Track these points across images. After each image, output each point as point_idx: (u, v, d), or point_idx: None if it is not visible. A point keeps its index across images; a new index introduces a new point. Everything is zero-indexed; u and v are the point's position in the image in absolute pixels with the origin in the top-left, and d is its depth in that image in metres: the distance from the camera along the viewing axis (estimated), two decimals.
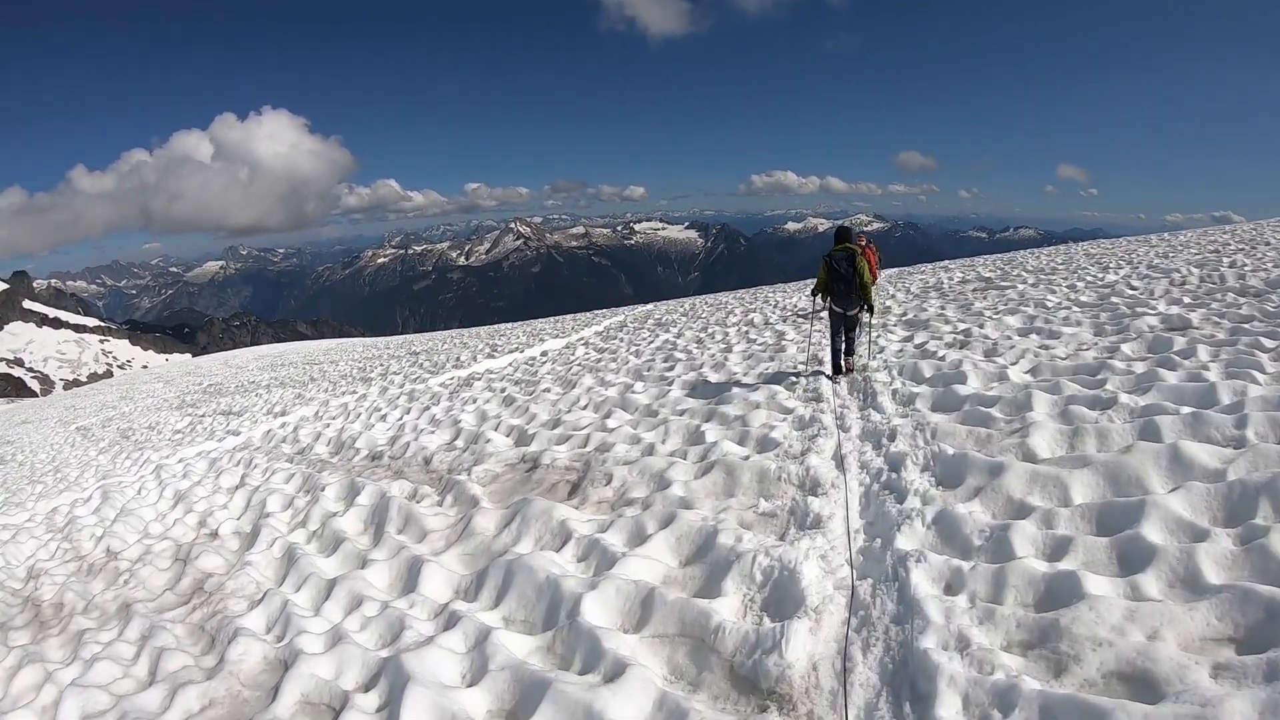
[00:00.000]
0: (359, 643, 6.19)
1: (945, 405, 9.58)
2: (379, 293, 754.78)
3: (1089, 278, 20.34)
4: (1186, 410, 7.44)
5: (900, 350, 13.49)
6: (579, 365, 19.70)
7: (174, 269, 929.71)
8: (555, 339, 29.77)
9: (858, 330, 12.38)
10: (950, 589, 5.25)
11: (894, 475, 7.37)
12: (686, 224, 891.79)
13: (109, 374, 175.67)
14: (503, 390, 17.51)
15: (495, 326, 59.19)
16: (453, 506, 9.47)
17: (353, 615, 6.82)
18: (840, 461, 8.08)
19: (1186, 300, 14.38)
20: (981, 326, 14.49)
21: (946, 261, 41.77)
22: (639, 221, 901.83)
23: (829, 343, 12.33)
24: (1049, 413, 8.31)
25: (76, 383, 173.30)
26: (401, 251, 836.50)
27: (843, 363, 12.05)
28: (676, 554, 6.67)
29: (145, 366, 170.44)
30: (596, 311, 50.01)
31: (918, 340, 14.11)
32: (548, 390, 16.17)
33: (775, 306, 26.53)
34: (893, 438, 8.43)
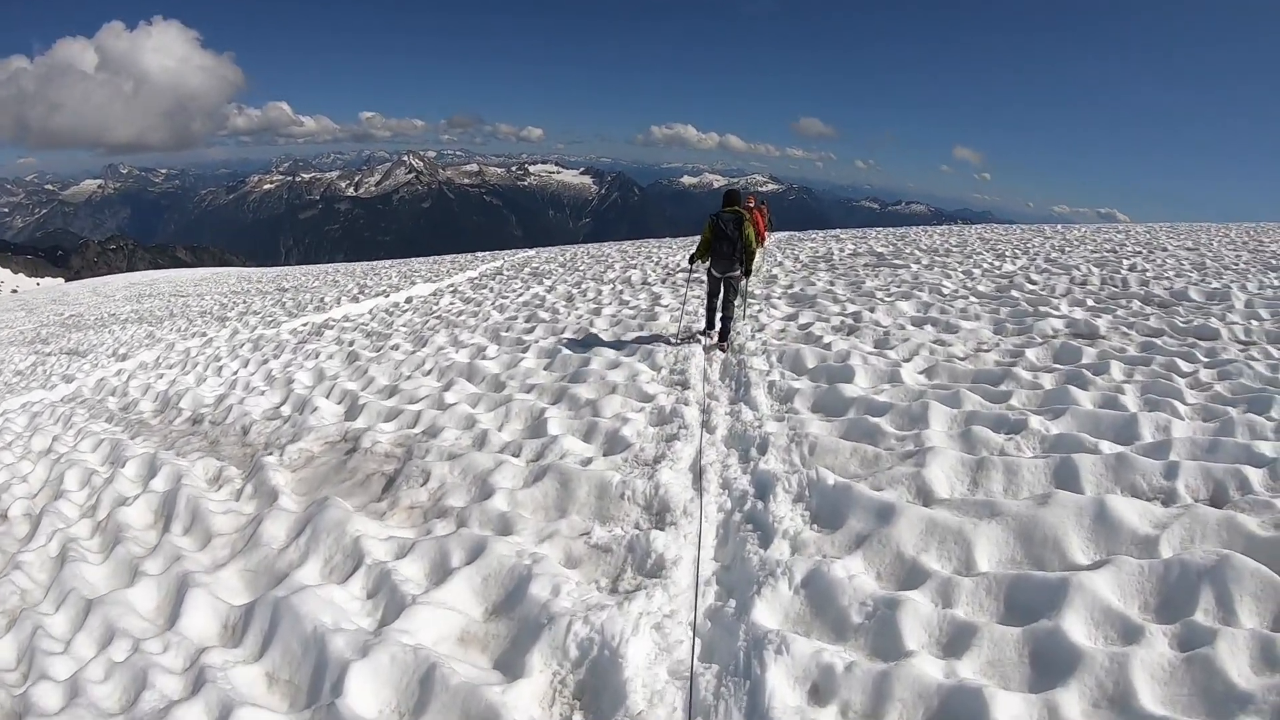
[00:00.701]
0: (94, 702, 4.77)
1: (828, 407, 8.40)
2: (263, 220, 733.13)
3: (985, 264, 19.71)
4: (1107, 447, 6.40)
5: (782, 330, 12.35)
6: (438, 318, 18.30)
7: (49, 186, 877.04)
8: (425, 284, 28.43)
9: (734, 295, 11.65)
10: (817, 697, 4.01)
11: (760, 504, 6.05)
12: (582, 169, 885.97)
13: None
14: (350, 344, 16.00)
15: (373, 264, 57.22)
16: (250, 500, 7.89)
17: (100, 658, 5.19)
18: (698, 477, 6.77)
19: (1090, 303, 13.58)
20: (873, 310, 13.40)
21: (838, 230, 41.48)
22: (534, 163, 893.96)
23: (706, 303, 12.08)
24: (948, 431, 7.19)
25: None
26: (289, 179, 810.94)
27: (716, 324, 11.78)
28: (481, 600, 5.31)
29: (14, 290, 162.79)
30: (477, 254, 48.72)
31: (802, 320, 13.00)
32: (396, 347, 14.79)
33: (657, 264, 25.44)
34: (764, 449, 7.10)
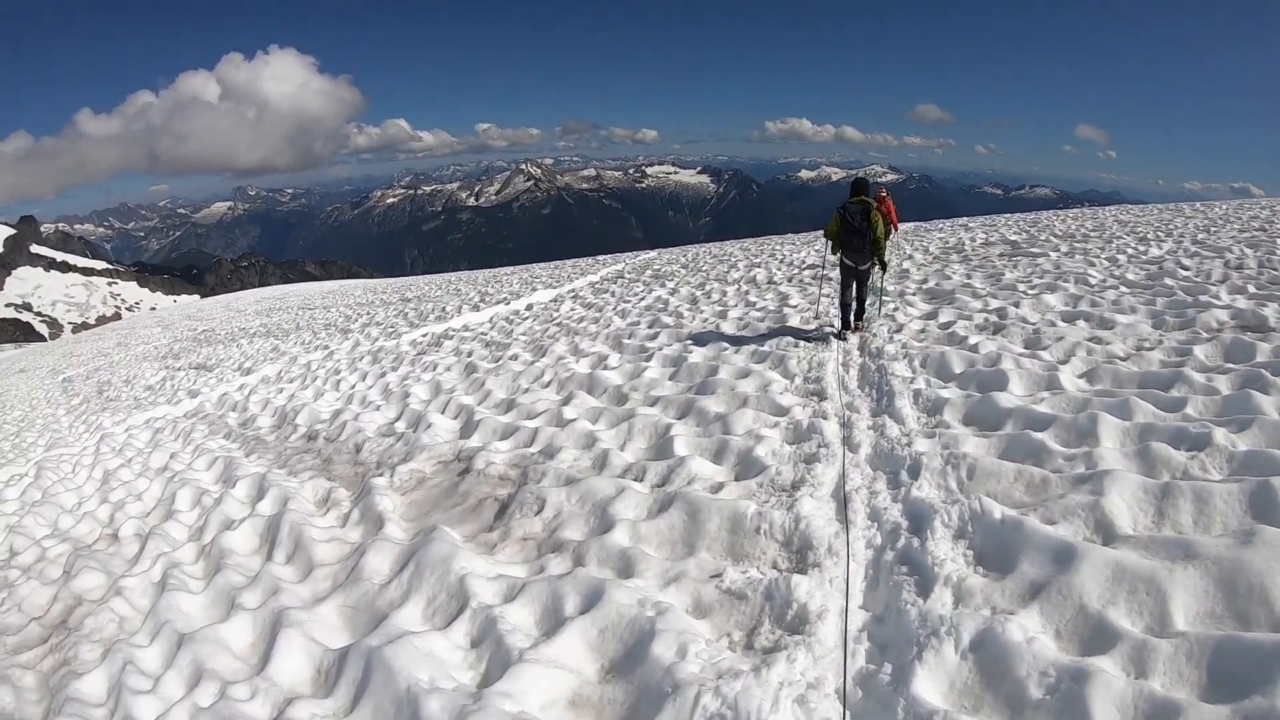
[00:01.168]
0: None
1: (982, 420, 7.60)
2: (388, 233, 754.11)
3: (1129, 250, 18.50)
4: None
5: (922, 331, 11.56)
6: (558, 325, 18.03)
7: (181, 210, 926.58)
8: (546, 289, 28.38)
9: (869, 287, 11.95)
10: None
11: (915, 541, 5.20)
12: (699, 168, 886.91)
13: (117, 316, 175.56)
14: (469, 355, 15.87)
15: (495, 271, 58.29)
16: (357, 526, 7.61)
17: (185, 701, 4.89)
18: (843, 506, 5.96)
19: (1252, 290, 12.29)
20: (1018, 305, 12.53)
21: (965, 219, 40.06)
22: (651, 165, 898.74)
23: (839, 298, 11.95)
24: (1121, 448, 6.22)
25: (85, 325, 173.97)
26: (411, 192, 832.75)
27: (851, 321, 11.75)
28: (596, 656, 4.66)
29: (153, 308, 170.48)
30: (598, 258, 48.63)
31: (943, 319, 12.17)
32: (515, 357, 14.54)
33: (782, 262, 24.79)
34: (915, 472, 6.24)
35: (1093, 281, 14.25)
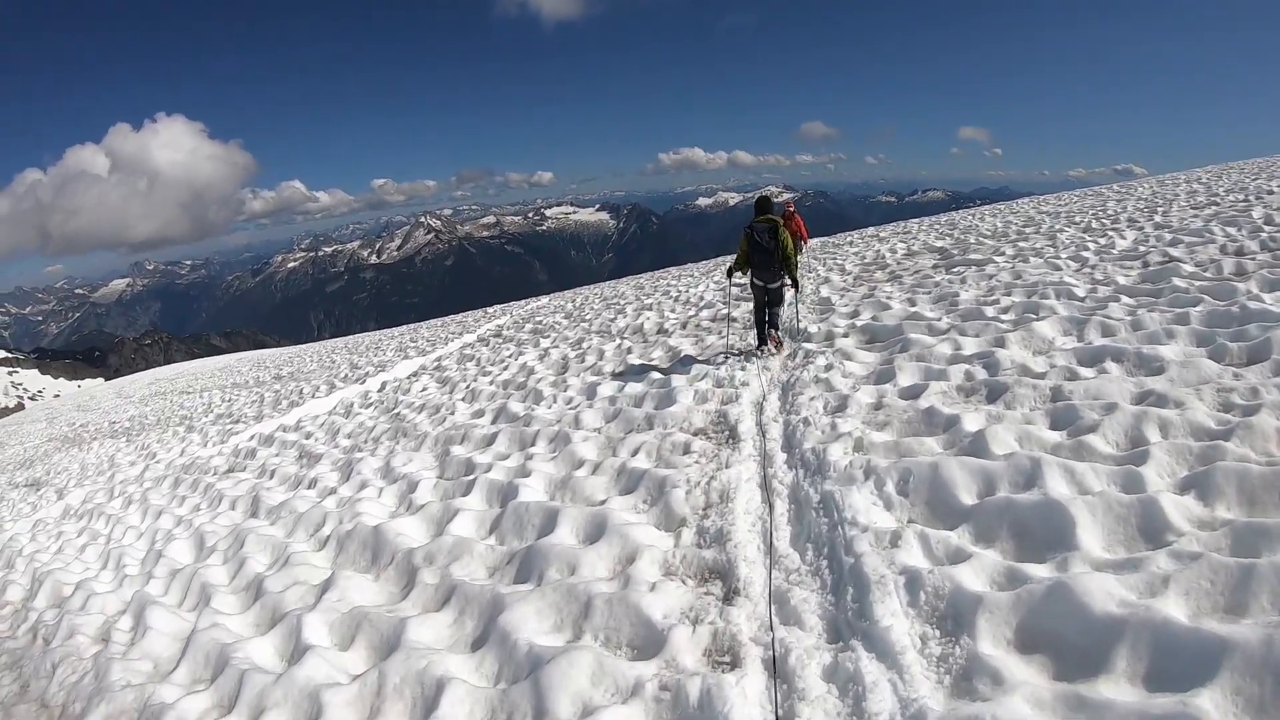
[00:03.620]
0: None
1: (1058, 649, 3.64)
2: (292, 298, 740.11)
3: (1089, 244, 15.24)
4: None
5: (878, 408, 7.49)
6: (394, 418, 14.04)
7: (79, 290, 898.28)
8: (410, 361, 24.70)
9: (782, 307, 11.38)
10: None
11: None
12: (597, 206, 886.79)
13: (20, 407, 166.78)
14: (271, 475, 12.08)
15: (379, 334, 55.95)
16: None
17: None
18: None
19: None
20: (1003, 344, 8.63)
21: (873, 228, 37.24)
22: (549, 207, 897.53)
23: (754, 318, 11.54)
24: None
25: None
26: (312, 254, 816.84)
27: (768, 335, 11.27)
28: None
29: (57, 395, 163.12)
30: (489, 310, 45.89)
31: (902, 380, 8.24)
32: (313, 484, 10.57)
33: (676, 300, 21.06)
34: None
35: (1080, 293, 10.65)
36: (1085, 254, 14.00)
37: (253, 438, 17.15)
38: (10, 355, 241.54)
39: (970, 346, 8.91)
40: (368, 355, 32.41)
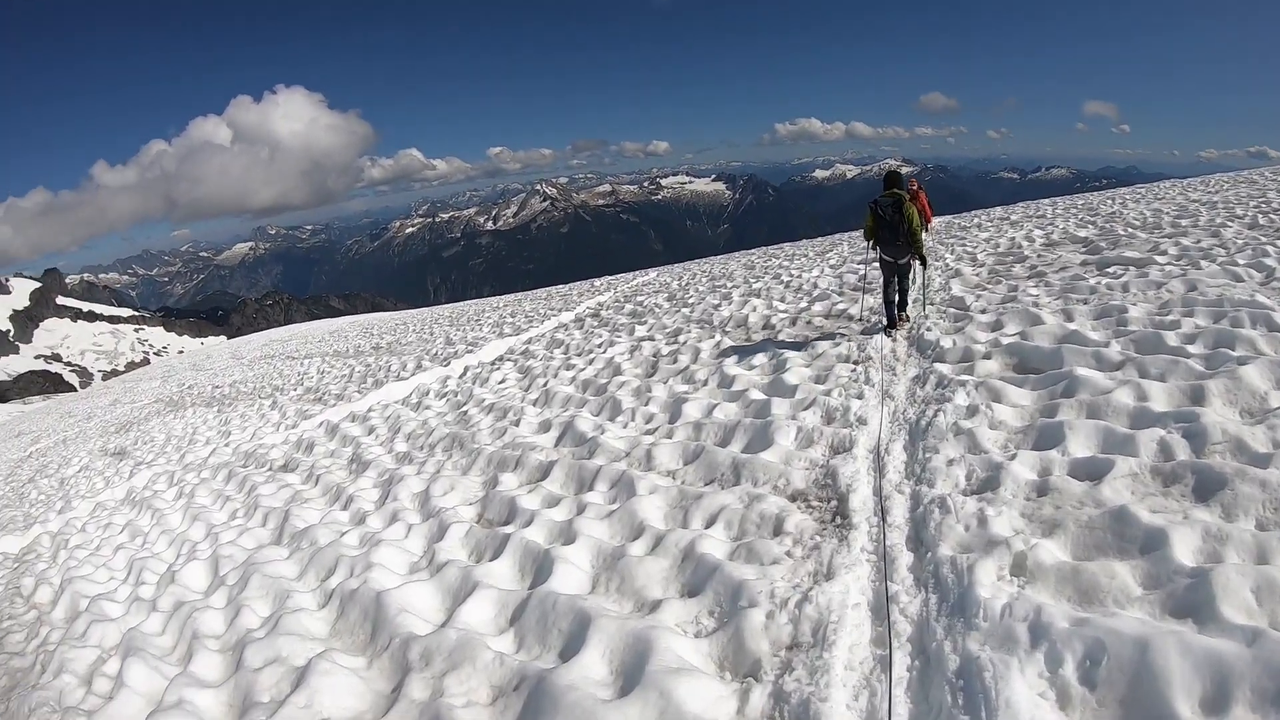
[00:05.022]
0: None
1: None
2: (409, 262, 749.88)
3: (1271, 249, 12.58)
4: None
5: (1043, 491, 5.43)
6: (458, 418, 12.80)
7: (204, 254, 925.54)
8: (507, 335, 24.02)
9: (910, 279, 11.78)
10: None
11: None
12: (713, 176, 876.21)
13: (145, 362, 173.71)
14: (315, 483, 11.15)
15: (486, 303, 54.61)
16: None
17: None
18: None
19: None
20: (1203, 398, 6.44)
21: (1006, 209, 34.51)
22: (665, 176, 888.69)
23: (882, 295, 11.61)
24: None
25: (115, 372, 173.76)
26: (429, 220, 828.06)
27: (896, 315, 11.44)
28: None
29: (181, 351, 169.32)
30: (596, 282, 44.67)
31: (1077, 445, 6.06)
32: (344, 506, 9.39)
33: (787, 286, 19.12)
34: None
35: None
36: (1268, 260, 11.55)
37: (321, 425, 16.29)
38: (136, 314, 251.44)
39: (1159, 397, 6.68)
40: (466, 329, 31.33)
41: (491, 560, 6.29)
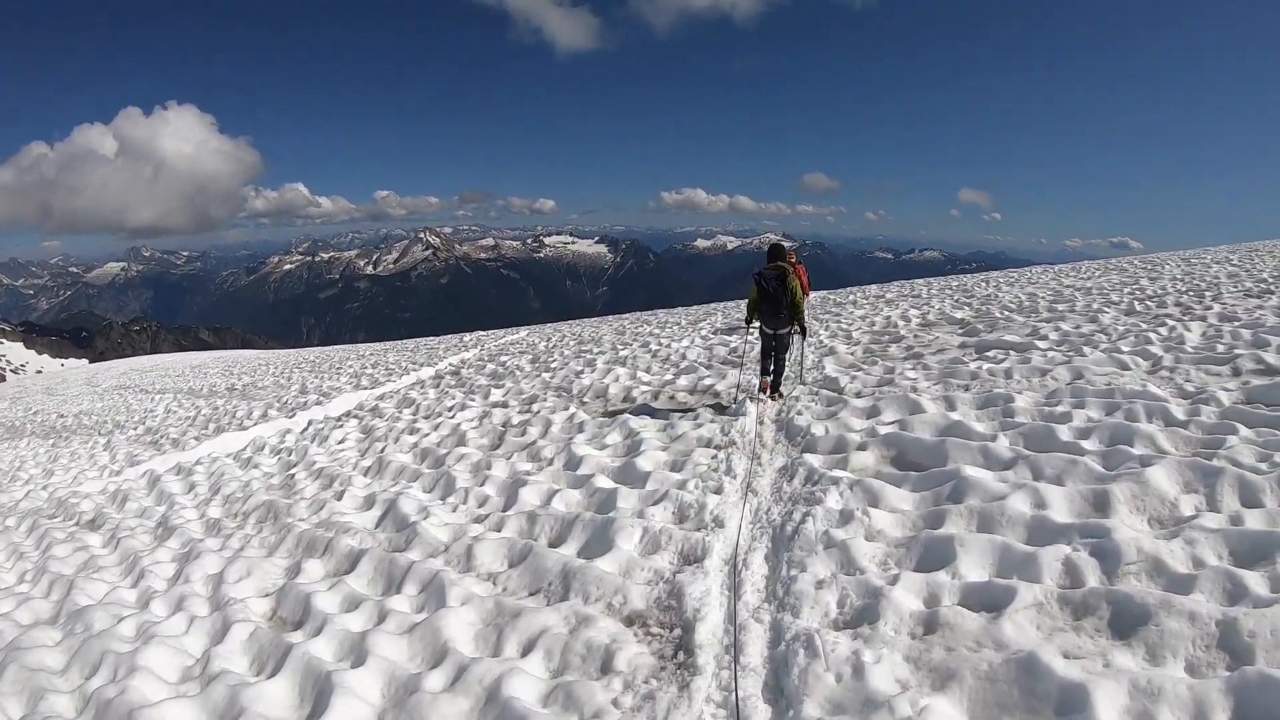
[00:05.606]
0: None
1: None
2: (284, 300, 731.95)
3: (1153, 335, 12.72)
4: None
5: (930, 628, 4.55)
6: (282, 481, 11.59)
7: (74, 269, 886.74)
8: (362, 388, 23.04)
9: (789, 353, 11.48)
10: None
11: None
12: (597, 238, 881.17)
13: (1, 378, 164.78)
14: (110, 546, 9.88)
15: (352, 349, 52.89)
16: None
17: None
18: None
19: None
20: (1107, 506, 5.68)
21: (881, 286, 34.89)
22: (549, 235, 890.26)
23: (759, 366, 11.42)
24: None
25: None
26: (309, 258, 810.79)
27: (767, 385, 11.26)
28: None
29: (39, 371, 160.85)
30: (465, 337, 43.85)
31: (969, 566, 5.19)
32: (134, 583, 8.03)
33: (655, 356, 18.25)
34: None
35: (1179, 414, 7.83)
36: (1151, 348, 11.34)
37: (144, 474, 14.78)
38: None
39: (1059, 504, 5.84)
40: (324, 377, 30.11)
41: (269, 678, 5.08)
